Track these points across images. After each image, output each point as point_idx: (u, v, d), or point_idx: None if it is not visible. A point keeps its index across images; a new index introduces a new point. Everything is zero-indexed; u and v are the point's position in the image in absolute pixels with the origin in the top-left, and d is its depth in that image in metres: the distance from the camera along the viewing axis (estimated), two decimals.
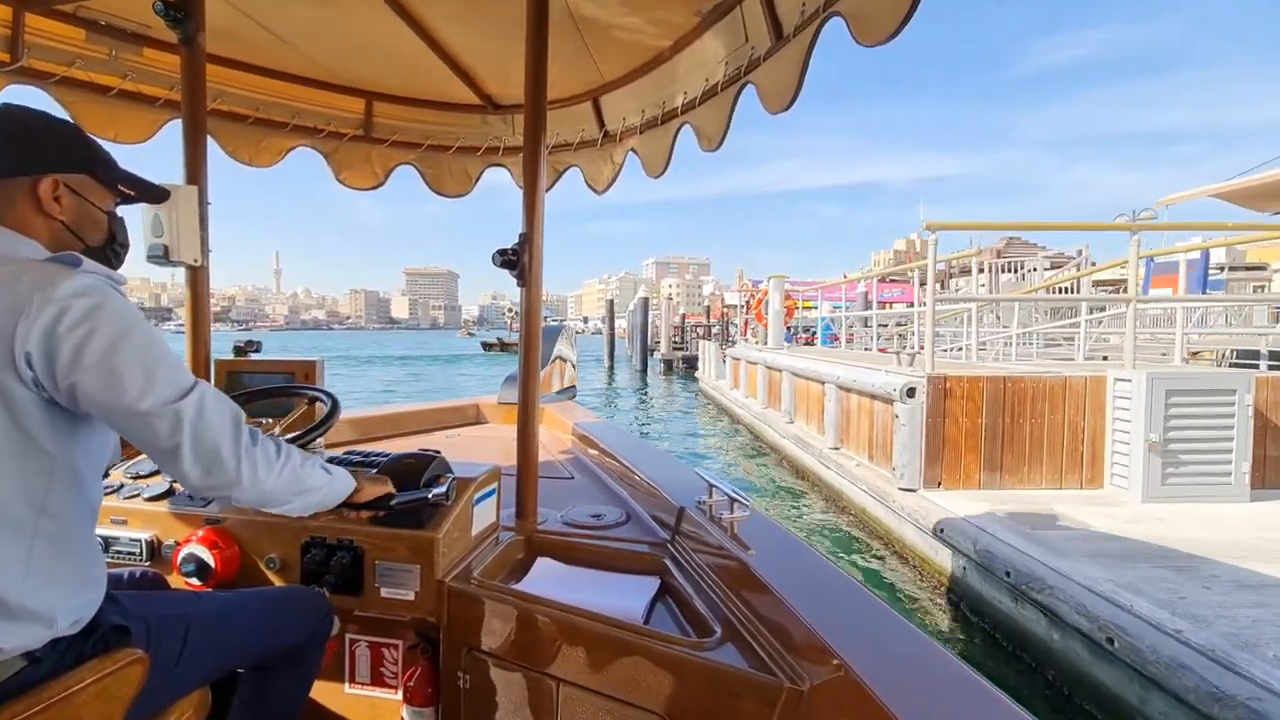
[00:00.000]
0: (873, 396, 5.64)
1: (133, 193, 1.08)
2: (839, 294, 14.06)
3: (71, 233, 0.98)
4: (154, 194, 1.17)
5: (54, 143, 0.96)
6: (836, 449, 6.68)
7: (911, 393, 4.71)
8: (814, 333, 17.15)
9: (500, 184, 3.13)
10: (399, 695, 1.44)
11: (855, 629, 1.05)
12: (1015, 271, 17.01)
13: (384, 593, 1.32)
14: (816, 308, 16.64)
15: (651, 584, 1.41)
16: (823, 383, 7.01)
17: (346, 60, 2.36)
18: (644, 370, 26.65)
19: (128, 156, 1.74)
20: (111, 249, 1.05)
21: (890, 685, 0.87)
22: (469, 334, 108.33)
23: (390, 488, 1.25)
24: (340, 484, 1.13)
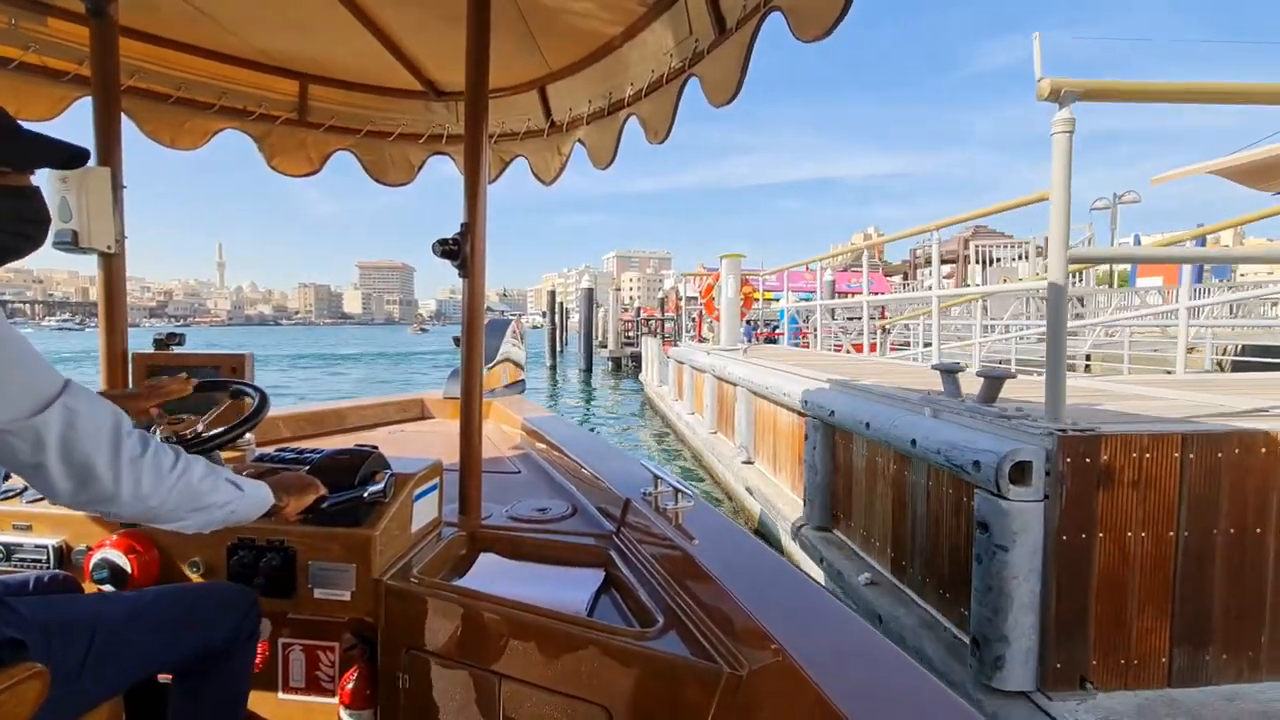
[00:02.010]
0: (905, 455, 2.92)
1: None
2: (804, 282, 12.12)
3: None
4: (33, 155, 0.94)
5: None
6: (824, 531, 3.81)
7: (1022, 473, 2.16)
8: (776, 327, 14.34)
9: (460, 175, 3.03)
10: (335, 699, 1.39)
11: (793, 615, 1.08)
12: (989, 264, 15.10)
13: (318, 594, 1.27)
14: (778, 299, 14.24)
15: (596, 576, 1.41)
16: (802, 414, 4.16)
17: (278, 39, 2.25)
18: (588, 370, 24.35)
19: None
20: None
21: (825, 668, 0.89)
22: (421, 329, 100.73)
23: (320, 490, 1.19)
24: (252, 502, 1.02)
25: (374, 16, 2.06)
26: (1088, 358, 8.63)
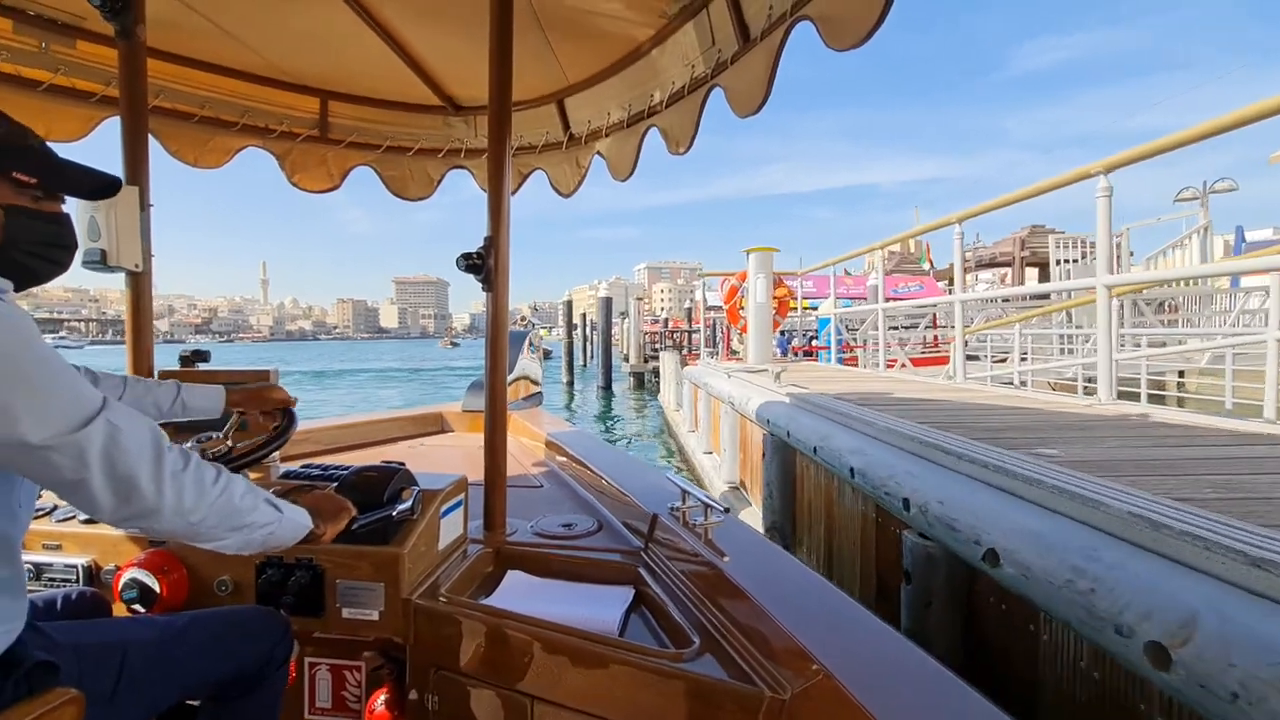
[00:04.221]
0: None
1: (32, 180, 0.89)
2: (843, 288, 9.60)
3: None
4: (74, 184, 0.97)
5: None
6: None
7: None
8: (813, 340, 11.76)
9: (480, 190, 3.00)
10: None
11: (833, 633, 1.05)
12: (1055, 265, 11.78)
13: (346, 613, 1.26)
14: (814, 307, 11.68)
15: (626, 594, 1.38)
16: (900, 523, 2.28)
17: (300, 57, 2.28)
18: (607, 387, 22.46)
19: (61, 153, 1.63)
20: (24, 251, 0.90)
21: (872, 688, 0.86)
22: (451, 343, 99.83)
23: (352, 512, 1.18)
24: (291, 526, 1.02)
25: (394, 32, 2.08)
26: (1181, 375, 7.08)
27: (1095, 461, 2.06)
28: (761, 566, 1.32)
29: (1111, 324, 3.69)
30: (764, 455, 4.00)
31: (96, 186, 1.01)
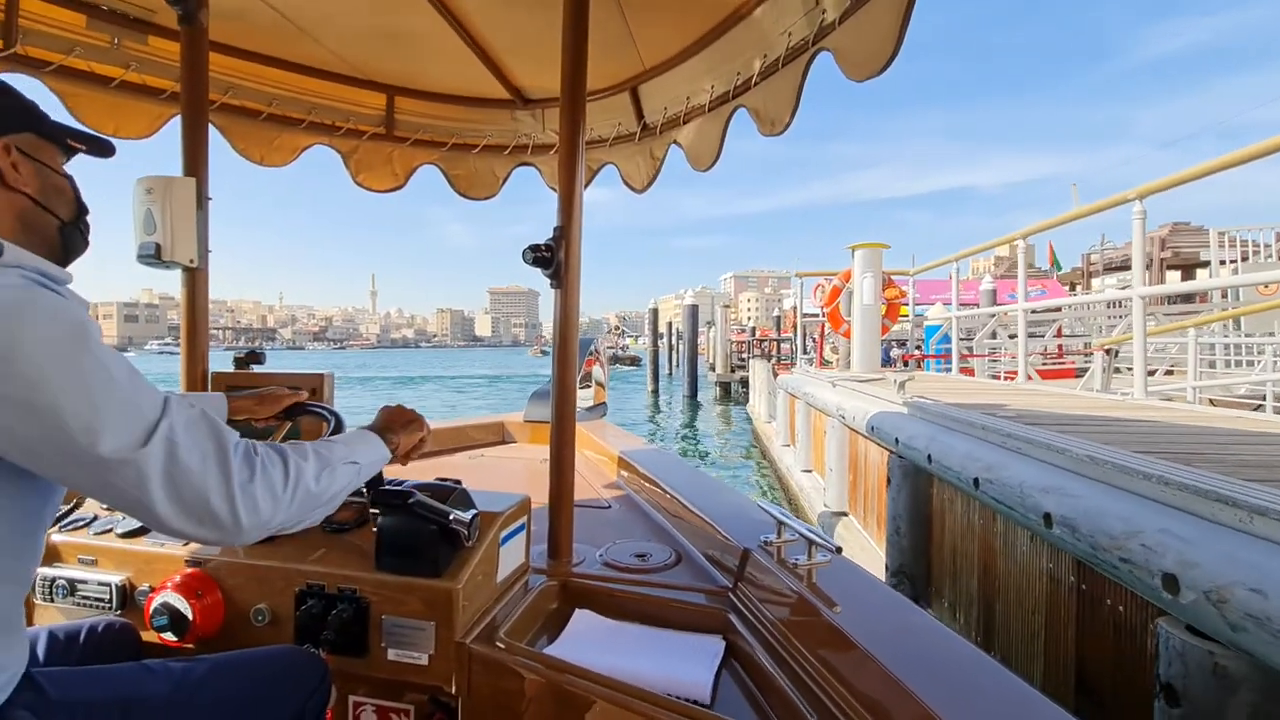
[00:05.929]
0: None
1: (83, 146, 0.87)
2: (948, 295, 9.32)
3: (41, 207, 0.78)
4: (102, 144, 0.95)
5: None
6: None
7: None
8: (920, 346, 10.33)
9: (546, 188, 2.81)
10: None
11: (991, 716, 0.80)
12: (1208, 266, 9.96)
13: (392, 655, 1.09)
14: (920, 314, 10.35)
15: (715, 646, 1.16)
16: None
17: (368, 51, 2.19)
18: (693, 396, 21.66)
19: (130, 151, 1.57)
20: (84, 223, 0.87)
21: None
22: (541, 351, 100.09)
23: (425, 425, 1.18)
24: (370, 468, 0.99)
25: (463, 20, 1.97)
26: None
27: None
28: (884, 621, 1.07)
29: None
30: (889, 481, 3.29)
31: (104, 147, 0.96)
